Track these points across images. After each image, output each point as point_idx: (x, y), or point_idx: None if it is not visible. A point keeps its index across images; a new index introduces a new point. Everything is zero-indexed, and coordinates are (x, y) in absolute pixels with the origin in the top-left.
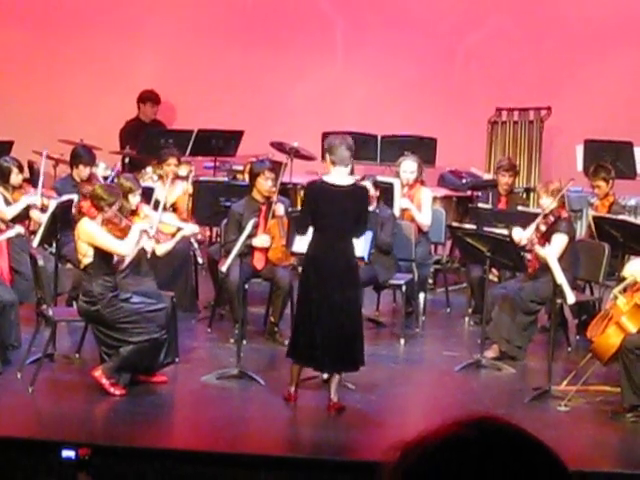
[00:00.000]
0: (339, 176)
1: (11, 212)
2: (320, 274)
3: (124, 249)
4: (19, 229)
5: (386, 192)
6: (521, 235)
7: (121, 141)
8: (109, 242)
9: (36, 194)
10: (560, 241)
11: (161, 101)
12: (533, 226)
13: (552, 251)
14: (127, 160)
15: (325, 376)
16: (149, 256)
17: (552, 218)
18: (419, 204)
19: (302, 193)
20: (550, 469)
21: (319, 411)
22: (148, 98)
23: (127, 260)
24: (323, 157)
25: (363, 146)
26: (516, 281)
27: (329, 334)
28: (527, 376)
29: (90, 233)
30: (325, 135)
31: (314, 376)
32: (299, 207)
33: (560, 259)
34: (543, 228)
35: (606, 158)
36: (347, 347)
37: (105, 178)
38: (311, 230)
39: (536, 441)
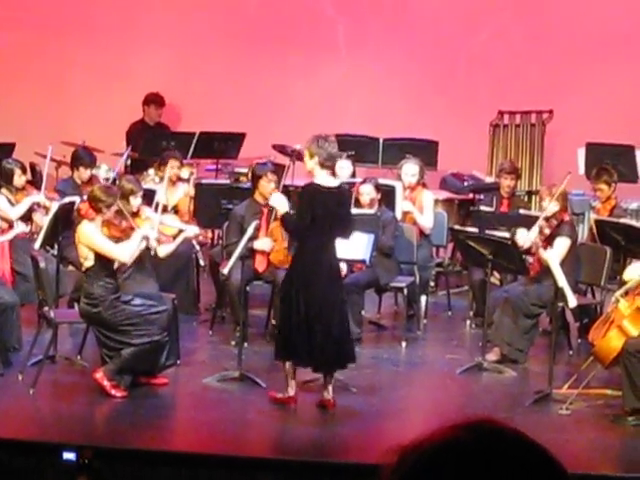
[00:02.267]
0: (328, 179)
1: (16, 213)
2: (309, 277)
3: (123, 255)
4: (22, 226)
5: (388, 195)
6: (525, 237)
7: (128, 143)
8: (108, 247)
9: (39, 195)
10: (563, 245)
11: (165, 104)
12: (536, 229)
13: (554, 254)
14: (129, 162)
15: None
16: (152, 253)
17: (555, 221)
18: (421, 207)
19: (297, 196)
20: (549, 472)
21: (320, 414)
22: (152, 101)
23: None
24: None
25: (365, 149)
26: (518, 284)
27: (321, 336)
28: (528, 379)
29: (89, 237)
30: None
31: (314, 379)
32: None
33: (562, 262)
34: (547, 231)
35: (608, 161)
36: (338, 348)
37: (107, 180)
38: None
39: (535, 444)
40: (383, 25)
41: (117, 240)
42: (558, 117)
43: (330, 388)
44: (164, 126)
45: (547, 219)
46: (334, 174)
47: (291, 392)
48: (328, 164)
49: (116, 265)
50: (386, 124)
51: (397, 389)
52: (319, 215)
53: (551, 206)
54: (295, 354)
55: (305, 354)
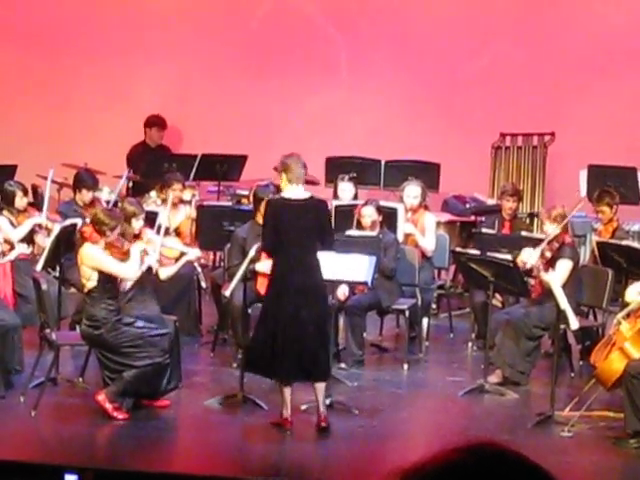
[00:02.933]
0: (297, 191)
1: (17, 234)
2: (286, 291)
3: (129, 272)
4: (23, 247)
5: (389, 217)
6: (530, 256)
7: (129, 165)
8: (114, 266)
9: (41, 216)
10: (565, 267)
11: (167, 126)
12: (538, 252)
13: (556, 277)
14: (130, 184)
15: (328, 401)
16: (154, 274)
17: (556, 244)
18: (423, 229)
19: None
20: None
21: (321, 436)
22: (154, 123)
23: (129, 283)
24: (327, 181)
25: (367, 171)
26: (520, 306)
27: (291, 345)
28: (530, 401)
29: (94, 258)
30: (329, 160)
31: (314, 401)
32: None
33: (564, 285)
34: (548, 255)
35: (610, 183)
36: (311, 357)
37: (108, 202)
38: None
39: (536, 466)
40: (385, 47)
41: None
42: (560, 139)
43: (320, 405)
44: (165, 148)
45: (549, 242)
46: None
47: (285, 414)
48: (295, 181)
49: (119, 281)
50: (388, 146)
51: (399, 411)
52: (285, 227)
53: (552, 228)
54: (257, 365)
55: (266, 365)
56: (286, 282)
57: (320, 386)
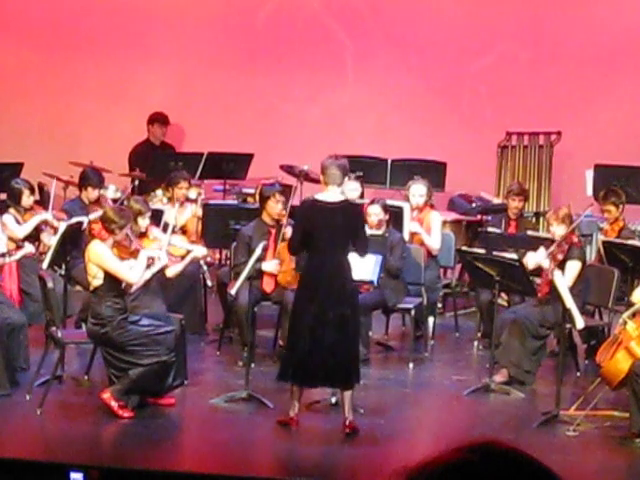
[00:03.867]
0: (331, 194)
1: (23, 231)
2: (315, 292)
3: (132, 278)
4: (29, 247)
5: (396, 216)
6: (540, 260)
7: (130, 164)
8: (118, 268)
9: (47, 213)
10: (574, 268)
11: (170, 122)
12: (546, 254)
13: (566, 278)
14: (136, 183)
15: (333, 400)
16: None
17: (566, 245)
18: (428, 228)
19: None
20: None
21: (327, 435)
22: (156, 119)
23: (135, 286)
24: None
25: (373, 170)
26: (525, 305)
27: (322, 350)
28: (536, 401)
29: (100, 256)
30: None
31: (321, 399)
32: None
33: (571, 284)
34: (560, 257)
35: (616, 183)
36: (341, 364)
37: (115, 200)
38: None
39: (540, 466)
40: (391, 47)
41: (126, 261)
42: (566, 138)
43: (346, 409)
44: (169, 146)
45: (559, 244)
46: (362, 195)
47: (291, 413)
48: (331, 183)
49: (124, 285)
50: (394, 145)
51: (404, 410)
52: (314, 229)
53: (560, 230)
54: (304, 376)
55: (300, 371)
56: (314, 284)
57: (347, 393)
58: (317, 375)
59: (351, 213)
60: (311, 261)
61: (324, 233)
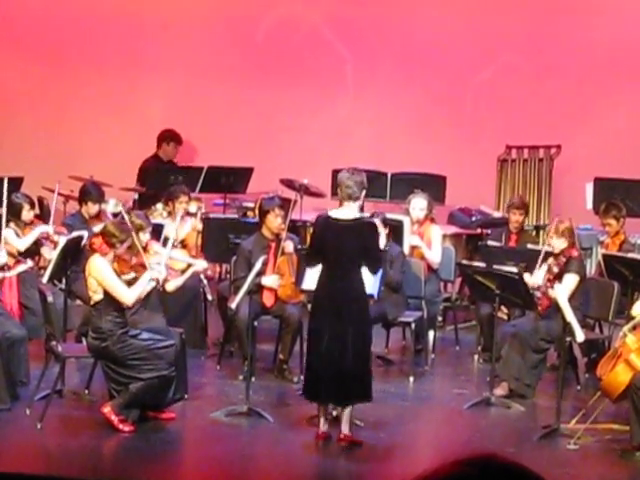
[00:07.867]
0: (345, 211)
1: (23, 244)
2: (328, 309)
3: (129, 298)
4: (29, 263)
5: (396, 229)
6: (536, 279)
7: (139, 179)
8: (116, 287)
9: (47, 225)
10: (571, 281)
11: (183, 141)
12: (544, 267)
13: (563, 291)
14: (136, 197)
15: (334, 413)
16: (160, 287)
17: (563, 258)
18: (429, 241)
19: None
20: None
21: (328, 448)
22: (172, 138)
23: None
24: (333, 194)
25: (373, 183)
26: (525, 319)
27: (334, 367)
28: (536, 414)
29: (99, 272)
30: (335, 172)
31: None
32: (308, 244)
33: (570, 298)
34: (556, 270)
35: (616, 196)
36: (353, 381)
37: (115, 215)
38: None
39: (541, 479)
40: (391, 61)
41: (126, 275)
42: (566, 152)
43: (343, 421)
44: (173, 162)
45: (555, 256)
46: (362, 209)
47: (321, 428)
48: (346, 199)
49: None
50: (394, 159)
51: (404, 424)
52: (329, 246)
53: (558, 243)
54: (312, 393)
55: (316, 389)
56: (325, 300)
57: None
58: (326, 392)
59: (364, 231)
60: (324, 279)
61: (334, 251)
